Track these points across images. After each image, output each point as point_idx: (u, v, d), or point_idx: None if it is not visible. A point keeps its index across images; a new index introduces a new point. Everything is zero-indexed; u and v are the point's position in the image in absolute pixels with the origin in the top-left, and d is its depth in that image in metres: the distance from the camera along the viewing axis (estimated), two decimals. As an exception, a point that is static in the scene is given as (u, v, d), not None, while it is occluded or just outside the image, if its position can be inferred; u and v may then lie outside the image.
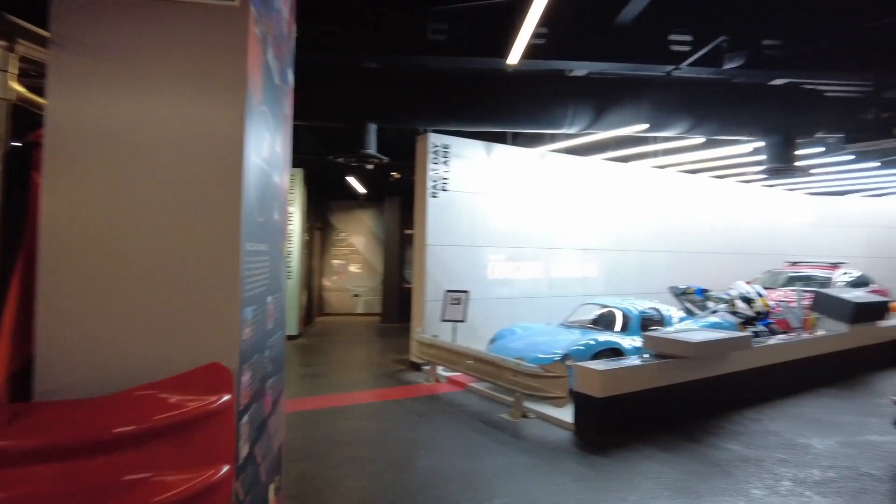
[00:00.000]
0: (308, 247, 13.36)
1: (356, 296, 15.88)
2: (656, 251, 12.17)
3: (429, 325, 8.59)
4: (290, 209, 11.73)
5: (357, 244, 16.12)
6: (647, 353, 6.56)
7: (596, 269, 11.09)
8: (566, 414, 5.93)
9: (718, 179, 13.32)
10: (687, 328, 7.60)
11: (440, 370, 7.99)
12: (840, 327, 8.99)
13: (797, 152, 7.59)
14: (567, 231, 10.66)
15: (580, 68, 6.75)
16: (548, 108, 7.27)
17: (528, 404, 6.32)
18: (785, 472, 4.85)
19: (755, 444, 5.54)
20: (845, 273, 12.33)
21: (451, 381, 7.87)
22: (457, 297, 8.26)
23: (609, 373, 5.61)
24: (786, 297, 10.93)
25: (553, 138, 9.42)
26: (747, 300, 9.57)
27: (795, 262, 13.27)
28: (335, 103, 7.19)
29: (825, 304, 9.20)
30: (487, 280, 9.51)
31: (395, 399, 7.15)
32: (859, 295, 9.49)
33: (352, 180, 12.95)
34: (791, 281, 12.51)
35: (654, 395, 6.01)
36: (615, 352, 7.15)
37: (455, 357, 7.27)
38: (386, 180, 12.88)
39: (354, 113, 7.29)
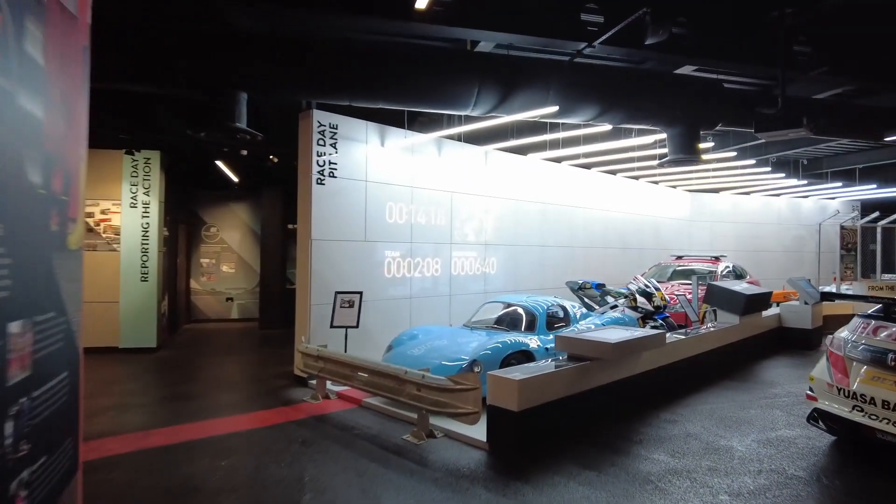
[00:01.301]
0: (169, 244, 11.53)
1: (230, 299, 14.16)
2: (553, 246, 11.91)
3: (316, 332, 7.46)
4: (146, 198, 9.96)
5: (231, 241, 14.38)
6: (559, 356, 5.99)
7: (496, 266, 10.53)
8: (479, 430, 5.15)
9: (609, 175, 13.38)
10: (601, 327, 7.16)
11: (330, 385, 6.91)
12: (732, 319, 9.15)
13: (701, 145, 7.45)
14: (467, 225, 9.98)
15: (487, 39, 6.03)
16: (451, 85, 6.48)
17: (434, 420, 5.48)
18: (718, 483, 4.42)
19: (680, 451, 5.12)
20: (726, 266, 12.89)
21: (342, 396, 6.82)
22: (348, 300, 7.22)
23: (527, 383, 4.91)
24: (682, 291, 11.11)
25: (450, 122, 8.65)
26: (647, 295, 9.48)
27: (680, 257, 13.71)
28: (197, 66, 5.87)
29: (718, 297, 9.33)
30: (384, 279, 8.55)
31: (276, 424, 5.98)
32: (747, 287, 9.76)
33: (222, 166, 11.34)
34: (677, 274, 12.86)
35: (571, 402, 5.43)
36: (524, 354, 6.53)
37: (347, 370, 6.24)
38: (264, 167, 11.45)
39: (220, 79, 6.00)
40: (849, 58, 6.32)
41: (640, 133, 9.28)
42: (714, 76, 7.20)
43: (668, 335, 6.80)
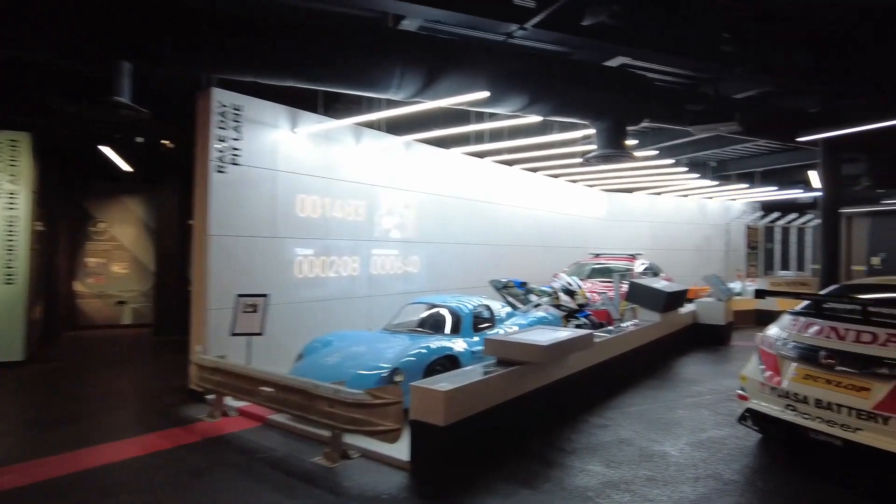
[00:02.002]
0: (45, 241, 10.07)
1: (121, 303, 12.68)
2: (477, 244, 11.55)
3: (214, 341, 6.59)
4: (13, 188, 8.57)
5: (123, 238, 12.90)
6: (487, 360, 5.54)
7: (418, 264, 9.99)
8: (400, 449, 4.59)
9: (531, 173, 13.23)
10: (528, 328, 6.78)
11: (229, 400, 6.08)
12: (653, 316, 9.15)
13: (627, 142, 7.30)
14: (388, 221, 9.37)
15: (412, 15, 5.50)
16: (371, 65, 5.86)
17: (349, 438, 4.86)
18: (658, 494, 4.13)
19: (615, 460, 4.82)
20: (642, 264, 13.10)
21: (244, 412, 6.02)
22: (252, 304, 6.41)
23: (455, 394, 4.40)
24: (601, 288, 11.09)
25: (370, 107, 8.01)
26: (570, 292, 9.30)
27: (598, 254, 13.82)
28: (73, 28, 4.89)
29: (639, 294, 9.30)
30: (294, 280, 7.77)
31: (166, 449, 5.11)
32: (667, 284, 9.84)
33: (111, 153, 10.04)
34: (595, 272, 12.92)
35: (501, 411, 4.99)
36: (450, 360, 6.04)
37: (249, 384, 5.46)
38: (163, 156, 10.27)
39: (101, 45, 5.05)
40: (770, 56, 6.36)
41: (563, 129, 9.09)
42: (642, 71, 7.06)
43: (595, 334, 6.55)
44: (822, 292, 5.35)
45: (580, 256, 14.36)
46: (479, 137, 9.17)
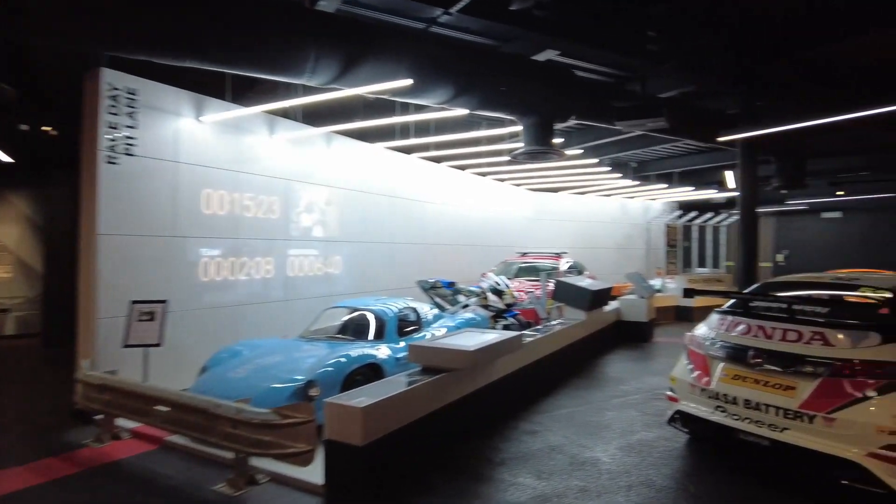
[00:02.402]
0: None
1: (4, 311, 11.29)
2: (403, 243, 11.15)
3: (105, 353, 5.82)
4: None
5: (7, 238, 11.49)
6: (412, 368, 5.16)
7: (340, 265, 9.46)
8: (314, 472, 4.12)
9: (459, 170, 12.98)
10: (456, 331, 6.44)
11: (123, 420, 5.35)
12: (579, 315, 9.10)
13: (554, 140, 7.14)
14: (306, 219, 8.78)
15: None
16: (283, 46, 5.33)
17: (258, 460, 4.33)
18: (591, 508, 3.91)
19: (546, 470, 4.58)
20: (567, 262, 13.17)
21: (137, 434, 5.32)
22: (148, 311, 5.70)
23: (374, 409, 3.99)
24: (528, 287, 10.99)
25: (287, 92, 7.40)
26: (498, 292, 9.10)
27: (525, 253, 13.79)
28: None
29: (566, 293, 9.23)
30: (199, 283, 7.06)
31: (44, 483, 4.38)
32: (592, 283, 9.84)
33: (-16, 143, 8.82)
34: (522, 271, 12.87)
35: (426, 424, 4.62)
36: (372, 368, 5.61)
37: (142, 403, 4.80)
38: (47, 145, 9.14)
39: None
40: (695, 56, 6.39)
41: (490, 125, 8.88)
42: (570, 66, 6.92)
43: (524, 335, 6.32)
44: (746, 291, 5.36)
45: (507, 255, 14.29)
46: (404, 131, 8.78)
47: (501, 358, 5.78)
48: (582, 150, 10.86)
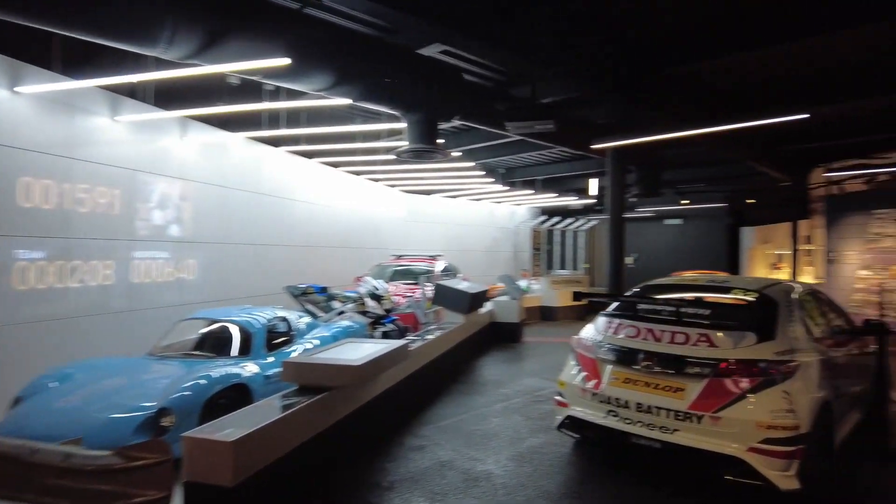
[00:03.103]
0: None
1: None
2: (271, 245, 10.25)
3: None
4: None
5: None
6: (287, 388, 4.56)
7: (196, 270, 8.39)
8: (169, 522, 3.37)
9: (332, 168, 12.31)
10: (336, 343, 5.87)
11: None
12: (458, 318, 8.96)
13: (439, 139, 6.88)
14: (156, 216, 7.64)
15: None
16: (129, 10, 4.42)
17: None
18: (492, 531, 3.64)
19: (439, 490, 4.24)
20: (442, 265, 13.08)
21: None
22: (-65, 329, 4.44)
23: (246, 442, 3.36)
24: (404, 291, 10.66)
25: (136, 65, 6.30)
26: (377, 297, 8.66)
27: (400, 256, 13.48)
28: None
29: (445, 296, 9.05)
30: (14, 293, 5.75)
31: None
32: (470, 285, 9.76)
33: None
34: (398, 274, 12.55)
35: (307, 451, 4.07)
36: (239, 390, 4.89)
37: (-80, 453, 3.65)
38: None
39: None
40: (577, 62, 6.48)
41: (367, 119, 8.43)
42: (457, 67, 6.71)
43: (410, 343, 5.95)
44: (628, 293, 5.48)
45: (382, 258, 13.88)
46: (273, 121, 7.99)
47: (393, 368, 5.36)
48: (461, 153, 10.79)
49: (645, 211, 18.30)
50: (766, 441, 3.77)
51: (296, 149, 10.12)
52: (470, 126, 11.33)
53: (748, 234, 19.39)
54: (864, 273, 12.99)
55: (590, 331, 5.00)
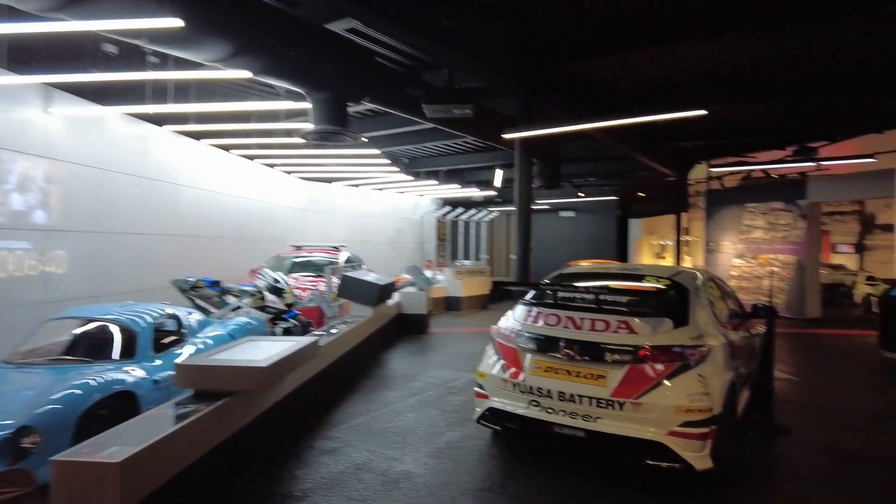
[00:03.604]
0: None
1: None
2: (155, 234, 9.26)
3: None
4: None
5: None
6: (181, 394, 4.03)
7: (65, 262, 7.33)
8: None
9: (223, 151, 11.36)
10: (235, 342, 5.31)
11: None
12: (366, 311, 8.61)
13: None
14: (14, 199, 6.55)
15: None
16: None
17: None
18: (419, 537, 3.41)
19: (357, 496, 3.94)
20: (346, 256, 12.58)
21: None
22: None
23: (137, 462, 2.86)
24: (311, 283, 10.10)
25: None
26: (277, 290, 8.08)
27: (300, 247, 12.78)
28: None
29: (352, 289, 8.66)
30: None
31: None
32: (378, 277, 9.42)
33: None
34: (297, 266, 11.88)
35: (206, 464, 3.59)
36: (123, 399, 4.26)
37: None
38: None
39: None
40: (486, 51, 6.36)
41: (263, 97, 7.80)
42: (367, 47, 6.32)
43: (319, 340, 5.54)
44: (546, 281, 5.46)
45: (279, 249, 13.09)
46: (158, 95, 7.13)
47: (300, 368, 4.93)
48: (366, 140, 10.37)
49: (542, 204, 18.87)
50: (685, 424, 3.85)
51: (184, 128, 9.17)
52: (375, 112, 10.96)
53: (635, 226, 20.68)
54: (737, 261, 14.26)
55: (509, 320, 4.91)
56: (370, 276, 9.13)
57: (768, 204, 13.87)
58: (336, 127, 6.17)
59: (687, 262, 17.87)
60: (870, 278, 16.10)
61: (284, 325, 7.68)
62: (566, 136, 11.70)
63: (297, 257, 12.22)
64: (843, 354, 9.36)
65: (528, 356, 4.49)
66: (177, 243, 9.84)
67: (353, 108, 7.98)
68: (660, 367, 4.04)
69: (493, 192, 18.06)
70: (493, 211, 17.64)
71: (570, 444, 4.24)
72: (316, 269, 11.71)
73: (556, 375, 4.30)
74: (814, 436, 5.30)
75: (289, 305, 8.00)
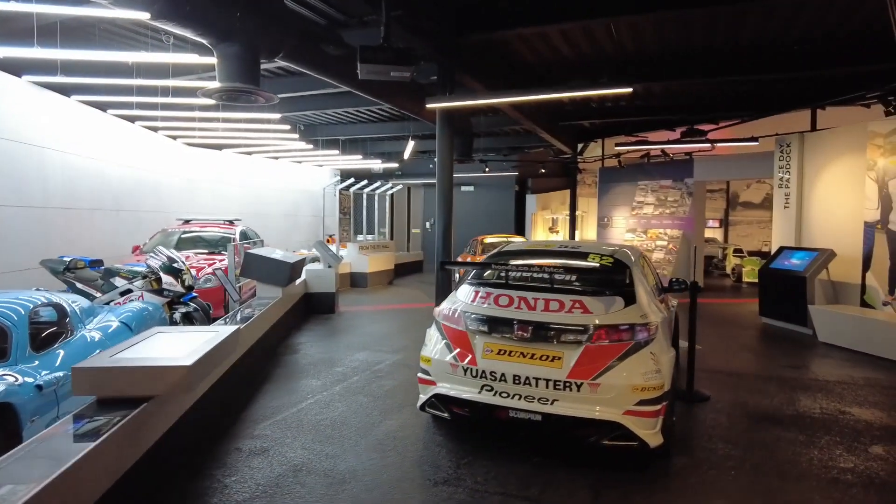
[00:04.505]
0: None
1: None
2: (14, 206, 7.82)
3: None
4: None
5: None
6: (79, 403, 3.33)
7: None
8: None
9: (98, 111, 9.84)
10: (140, 336, 4.50)
11: None
12: (275, 291, 7.94)
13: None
14: None
15: None
16: None
17: None
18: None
19: (299, 501, 3.51)
20: (242, 231, 11.58)
21: None
22: None
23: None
24: (204, 262, 9.12)
25: None
26: (175, 271, 7.17)
27: (188, 220, 11.54)
28: None
29: (258, 267, 7.92)
30: None
31: None
32: (287, 255, 8.71)
33: None
34: (186, 242, 10.74)
35: (123, 488, 2.98)
36: (0, 413, 3.44)
37: None
38: None
39: None
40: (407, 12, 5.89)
41: (150, 46, 6.75)
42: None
43: (234, 329, 4.89)
44: (485, 260, 5.23)
45: (163, 223, 11.77)
46: (13, 35, 5.83)
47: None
48: (276, 102, 9.44)
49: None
50: (640, 402, 3.84)
51: (48, 80, 7.71)
52: (275, 72, 10.03)
53: (531, 201, 21.23)
54: (629, 236, 15.08)
55: (454, 301, 4.63)
56: (277, 254, 8.41)
57: (658, 181, 14.74)
58: (247, 85, 5.42)
59: (580, 237, 18.69)
60: (737, 250, 17.84)
61: (183, 309, 6.84)
62: (478, 110, 11.53)
63: (186, 232, 11.03)
64: (731, 321, 10.19)
65: (479, 339, 4.25)
66: (41, 217, 8.40)
67: (271, 64, 7.12)
68: (616, 346, 3.99)
69: (393, 165, 17.57)
70: (397, 184, 17.17)
71: (524, 428, 4.08)
72: (208, 245, 10.66)
73: (509, 358, 4.11)
74: (729, 400, 5.62)
75: (188, 287, 7.13)
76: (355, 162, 16.71)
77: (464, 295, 4.62)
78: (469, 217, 20.29)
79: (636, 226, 15.09)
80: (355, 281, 14.19)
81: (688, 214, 14.09)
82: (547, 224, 21.82)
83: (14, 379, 3.68)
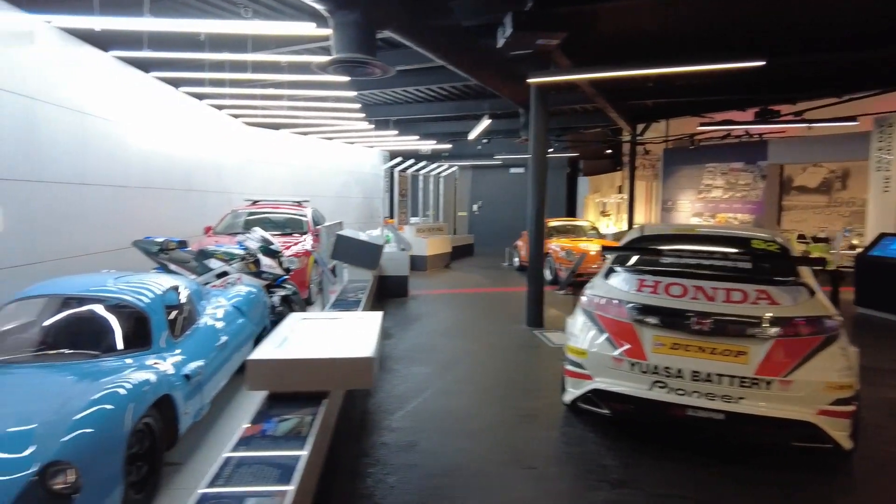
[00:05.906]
0: None
1: None
2: (96, 184, 7.63)
3: None
4: None
5: None
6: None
7: (-2, 219, 5.76)
8: None
9: (171, 87, 9.60)
10: (291, 324, 4.22)
11: None
12: (365, 275, 7.69)
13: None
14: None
15: None
16: None
17: None
18: None
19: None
20: (312, 212, 11.33)
21: None
22: None
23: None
24: (282, 244, 8.90)
25: None
26: (272, 253, 6.94)
27: (256, 201, 11.33)
28: None
29: (349, 250, 7.66)
30: None
31: None
32: (375, 237, 8.45)
33: None
34: (257, 223, 10.51)
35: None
36: (159, 406, 3.19)
37: None
38: None
39: None
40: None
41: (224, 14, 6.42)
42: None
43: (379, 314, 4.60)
44: (623, 244, 4.86)
45: (227, 204, 11.58)
46: (107, 5, 5.55)
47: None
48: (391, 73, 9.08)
49: (501, 158, 18.26)
50: (836, 402, 3.49)
51: (132, 55, 7.46)
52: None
53: (583, 184, 20.68)
54: (695, 220, 14.53)
55: (610, 289, 4.27)
56: (363, 236, 8.13)
57: (728, 164, 14.12)
58: (365, 56, 5.08)
59: (639, 220, 18.13)
60: (800, 236, 17.13)
61: (282, 292, 6.60)
62: (559, 86, 11.05)
63: (255, 213, 10.81)
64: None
65: (647, 331, 3.90)
66: (123, 196, 8.24)
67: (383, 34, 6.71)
68: (808, 340, 3.62)
69: (443, 146, 17.13)
70: (453, 165, 16.77)
71: (703, 428, 3.74)
72: (277, 226, 10.44)
73: (685, 353, 3.76)
74: (871, 396, 5.19)
75: (287, 270, 6.89)
76: (410, 143, 16.33)
77: (622, 283, 4.26)
78: (516, 200, 19.87)
79: (703, 210, 14.53)
80: (414, 264, 13.88)
81: (760, 198, 13.48)
82: (598, 208, 21.27)
83: (166, 368, 3.44)
